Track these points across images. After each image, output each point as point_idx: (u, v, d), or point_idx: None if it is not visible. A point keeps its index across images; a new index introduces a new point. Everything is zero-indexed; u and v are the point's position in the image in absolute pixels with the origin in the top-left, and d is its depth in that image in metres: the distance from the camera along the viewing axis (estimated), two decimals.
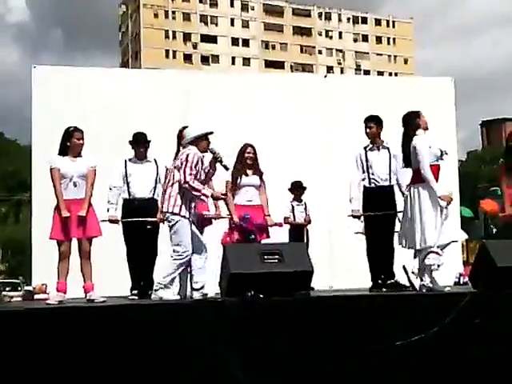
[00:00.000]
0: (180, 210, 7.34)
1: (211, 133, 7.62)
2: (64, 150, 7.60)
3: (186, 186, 7.32)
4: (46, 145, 9.39)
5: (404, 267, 7.75)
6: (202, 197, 7.45)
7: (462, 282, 11.10)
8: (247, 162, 8.41)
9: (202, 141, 7.53)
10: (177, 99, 10.79)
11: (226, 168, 7.75)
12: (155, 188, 8.41)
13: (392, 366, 6.43)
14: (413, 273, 7.66)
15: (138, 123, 9.40)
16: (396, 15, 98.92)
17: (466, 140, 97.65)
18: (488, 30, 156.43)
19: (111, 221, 8.34)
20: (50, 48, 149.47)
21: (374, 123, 8.50)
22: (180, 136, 8.08)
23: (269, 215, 8.46)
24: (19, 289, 25.18)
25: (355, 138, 9.12)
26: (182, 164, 7.36)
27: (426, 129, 7.74)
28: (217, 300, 6.83)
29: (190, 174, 7.31)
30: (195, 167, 7.36)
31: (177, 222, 7.33)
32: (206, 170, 7.58)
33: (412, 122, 7.73)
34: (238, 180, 8.36)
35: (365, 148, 8.50)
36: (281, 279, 6.59)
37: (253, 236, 8.13)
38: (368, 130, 8.50)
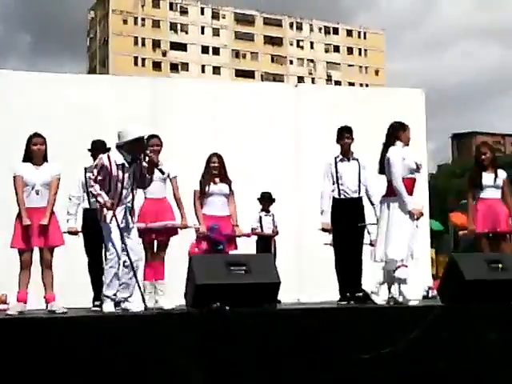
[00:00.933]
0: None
1: (142, 137, 7.42)
2: (26, 157, 7.45)
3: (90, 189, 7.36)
4: (8, 152, 9.23)
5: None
6: (99, 201, 7.22)
7: (430, 296, 11.08)
8: (213, 171, 8.32)
9: (136, 144, 7.30)
10: (144, 106, 10.68)
11: (162, 172, 7.71)
12: None
13: (358, 379, 6.40)
14: (372, 292, 7.66)
15: (102, 130, 9.23)
16: (367, 26, 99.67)
17: (435, 152, 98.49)
18: (458, 42, 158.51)
19: (71, 232, 8.26)
20: (16, 52, 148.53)
21: (350, 134, 8.47)
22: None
23: (237, 225, 8.37)
24: None
25: (325, 149, 9.08)
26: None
27: (406, 144, 7.73)
28: (182, 312, 6.74)
29: (91, 178, 7.21)
30: (100, 173, 7.17)
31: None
32: (143, 174, 7.40)
33: (394, 133, 7.74)
34: (207, 188, 8.26)
35: (335, 159, 8.45)
36: (247, 290, 6.53)
37: (221, 246, 8.05)
38: (345, 141, 8.45)
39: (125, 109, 10.68)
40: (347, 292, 8.20)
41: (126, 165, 7.24)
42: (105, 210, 7.15)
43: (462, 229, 11.33)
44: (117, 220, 7.13)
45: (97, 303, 8.12)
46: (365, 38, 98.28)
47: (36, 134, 7.49)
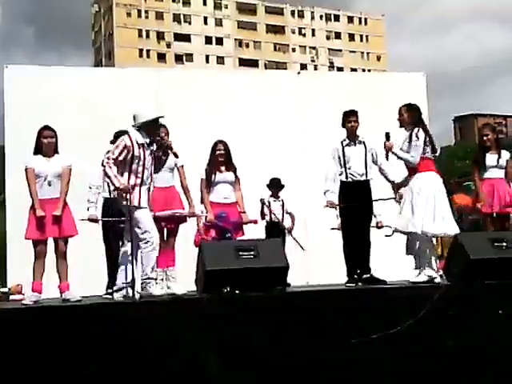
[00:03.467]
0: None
1: (162, 117, 7.50)
2: (37, 150, 7.56)
3: (104, 169, 7.25)
4: (19, 145, 9.36)
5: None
6: (111, 184, 7.31)
7: None
8: (218, 159, 8.41)
9: (153, 125, 7.40)
10: (150, 97, 10.75)
11: (176, 156, 7.79)
12: None
13: (368, 359, 6.47)
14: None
15: (111, 122, 9.34)
16: (368, 12, 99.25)
17: (440, 135, 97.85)
18: (461, 24, 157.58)
19: (91, 220, 8.24)
20: (21, 46, 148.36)
21: (356, 118, 8.53)
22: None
23: (244, 212, 8.47)
24: None
25: (329, 134, 9.14)
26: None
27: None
28: (193, 297, 6.84)
29: (110, 160, 7.16)
30: (121, 153, 7.19)
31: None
32: (158, 157, 7.55)
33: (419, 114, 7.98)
34: (213, 177, 8.36)
35: (341, 143, 8.49)
36: (257, 275, 6.62)
37: (229, 234, 8.11)
38: (350, 125, 8.51)
39: (130, 100, 10.78)
40: (355, 274, 8.28)
41: (146, 145, 7.32)
42: (111, 186, 7.31)
43: (466, 210, 11.40)
44: (140, 201, 7.20)
45: (110, 290, 8.21)
46: (366, 24, 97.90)
47: (46, 127, 7.60)
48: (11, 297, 9.30)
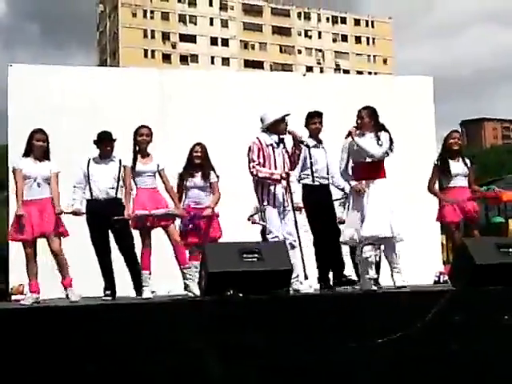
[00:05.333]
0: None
1: (288, 114, 7.67)
2: (27, 152, 7.60)
3: (255, 177, 7.47)
4: (23, 144, 9.31)
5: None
6: (273, 182, 7.47)
7: (441, 281, 11.13)
8: (195, 161, 8.34)
9: (280, 124, 7.59)
10: (154, 98, 10.74)
11: (308, 146, 7.98)
12: (117, 188, 8.32)
13: (370, 363, 6.43)
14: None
15: (115, 122, 9.33)
16: (375, 15, 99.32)
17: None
18: (470, 27, 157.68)
19: (76, 213, 8.20)
20: (26, 44, 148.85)
21: (320, 119, 8.51)
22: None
23: (210, 207, 8.32)
24: None
25: (334, 136, 9.09)
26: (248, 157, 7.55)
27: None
28: (196, 299, 6.80)
29: (255, 165, 7.42)
30: (259, 156, 7.46)
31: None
32: (291, 152, 7.64)
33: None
34: (185, 182, 8.30)
35: (307, 145, 8.34)
36: (260, 278, 6.57)
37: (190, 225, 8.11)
38: (313, 126, 8.50)
39: (133, 100, 10.76)
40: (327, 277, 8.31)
41: (275, 145, 7.51)
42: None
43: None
44: (275, 200, 7.40)
45: (107, 292, 8.20)
46: (373, 26, 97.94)
47: (39, 130, 7.63)
48: (13, 297, 9.29)
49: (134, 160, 8.02)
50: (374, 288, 7.50)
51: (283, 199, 7.49)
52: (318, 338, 6.34)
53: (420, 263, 10.82)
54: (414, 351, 6.50)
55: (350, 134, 7.65)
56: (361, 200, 7.50)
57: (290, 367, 6.27)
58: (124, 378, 5.97)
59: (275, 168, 7.47)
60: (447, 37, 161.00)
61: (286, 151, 7.62)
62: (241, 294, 6.41)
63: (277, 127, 7.56)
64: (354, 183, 7.56)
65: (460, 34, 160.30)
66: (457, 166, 8.57)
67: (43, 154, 7.60)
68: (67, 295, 7.30)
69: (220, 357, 6.10)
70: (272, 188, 7.45)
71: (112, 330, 5.98)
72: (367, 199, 7.48)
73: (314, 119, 8.48)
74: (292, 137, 7.60)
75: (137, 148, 8.05)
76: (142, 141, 8.06)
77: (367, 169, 7.61)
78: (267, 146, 7.48)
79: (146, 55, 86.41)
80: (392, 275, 7.60)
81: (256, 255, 6.70)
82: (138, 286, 8.08)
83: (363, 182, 7.53)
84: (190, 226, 8.09)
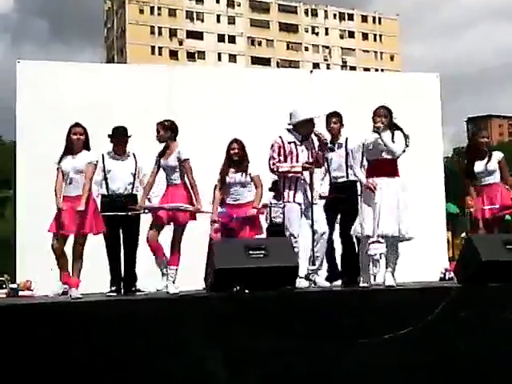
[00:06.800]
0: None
1: (318, 117, 7.80)
2: (66, 148, 7.57)
3: (276, 173, 7.64)
4: (30, 141, 9.37)
5: None
6: (295, 175, 7.57)
7: (447, 278, 11.13)
8: (233, 158, 8.36)
9: (307, 124, 7.67)
10: (162, 94, 10.75)
11: (332, 149, 7.95)
12: (133, 184, 8.35)
13: (378, 361, 6.43)
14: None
15: (123, 119, 9.34)
16: (382, 12, 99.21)
17: (453, 136, 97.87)
18: (477, 24, 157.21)
19: None
20: (34, 39, 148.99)
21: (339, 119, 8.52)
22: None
23: (253, 206, 8.28)
24: (4, 286, 25.00)
25: (341, 133, 9.10)
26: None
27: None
28: (202, 295, 6.81)
29: (275, 162, 7.56)
30: (279, 153, 7.59)
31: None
32: (316, 153, 7.71)
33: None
34: (227, 177, 8.28)
35: (331, 149, 8.34)
36: (266, 274, 6.57)
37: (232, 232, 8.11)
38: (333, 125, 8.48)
39: (141, 96, 10.78)
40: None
41: (298, 142, 7.61)
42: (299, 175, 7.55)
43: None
44: (294, 196, 7.52)
45: (113, 288, 8.19)
46: (380, 23, 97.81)
47: (76, 124, 7.59)
48: (20, 293, 9.31)
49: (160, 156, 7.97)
50: (375, 283, 7.51)
51: (306, 195, 7.52)
52: (326, 335, 6.35)
53: (426, 260, 10.82)
54: (419, 348, 6.49)
55: (376, 131, 7.61)
56: (373, 197, 7.48)
57: (299, 366, 6.29)
58: (127, 376, 5.99)
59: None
60: (454, 34, 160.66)
61: (312, 148, 7.66)
62: (247, 291, 6.42)
63: (304, 127, 7.65)
64: (365, 180, 7.55)
65: (467, 31, 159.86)
66: (480, 165, 8.55)
67: (80, 147, 7.55)
68: (67, 293, 7.24)
69: (225, 355, 6.11)
70: (294, 184, 7.53)
71: (119, 327, 6.00)
72: (381, 197, 7.45)
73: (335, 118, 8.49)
74: (317, 139, 7.63)
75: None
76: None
77: (383, 166, 7.59)
78: (289, 143, 7.59)
79: (153, 52, 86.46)
80: (385, 273, 7.58)
81: (262, 251, 6.71)
82: (128, 284, 8.15)
83: (375, 180, 7.52)
84: (230, 227, 8.13)
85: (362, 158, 7.72)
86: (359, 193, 8.06)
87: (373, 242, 7.43)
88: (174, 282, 7.53)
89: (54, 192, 7.37)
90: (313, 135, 7.68)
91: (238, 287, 6.38)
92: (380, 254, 7.46)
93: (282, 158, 7.52)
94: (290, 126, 7.73)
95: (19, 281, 9.86)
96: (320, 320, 6.37)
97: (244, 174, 8.27)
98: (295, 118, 7.69)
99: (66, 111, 9.66)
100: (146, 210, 7.92)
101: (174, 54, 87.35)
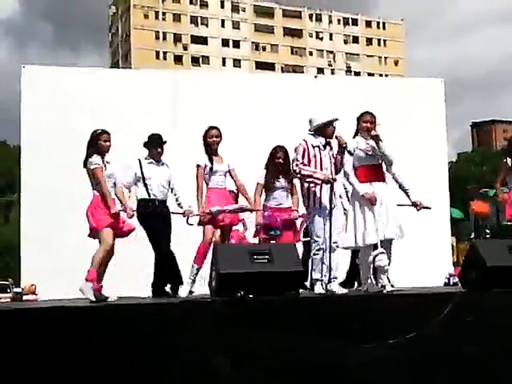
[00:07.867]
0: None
1: (337, 119, 7.76)
2: (97, 152, 7.68)
3: (298, 174, 7.63)
4: (35, 145, 9.38)
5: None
6: (315, 180, 7.54)
7: (451, 283, 11.13)
8: (279, 167, 8.61)
9: (327, 127, 7.68)
10: (167, 99, 10.77)
11: (351, 153, 7.86)
12: (168, 190, 8.46)
13: (382, 365, 6.42)
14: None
15: (128, 124, 9.37)
16: (387, 17, 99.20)
17: (457, 141, 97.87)
18: (482, 29, 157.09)
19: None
20: (39, 43, 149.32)
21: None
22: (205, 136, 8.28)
23: (296, 210, 8.63)
24: (8, 291, 25.00)
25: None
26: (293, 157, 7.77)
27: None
28: (206, 300, 6.81)
29: (298, 163, 7.53)
30: (304, 156, 7.57)
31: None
32: (334, 158, 7.70)
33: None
34: (272, 183, 8.58)
35: (350, 152, 8.38)
36: (270, 279, 6.57)
37: (277, 232, 8.36)
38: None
39: (147, 102, 10.79)
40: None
41: (322, 147, 7.63)
42: (317, 181, 7.49)
43: (483, 217, 11.37)
44: (321, 203, 7.50)
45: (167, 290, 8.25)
46: (384, 28, 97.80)
47: (104, 131, 7.74)
48: (24, 297, 9.31)
49: (211, 160, 8.22)
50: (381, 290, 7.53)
51: (329, 201, 7.54)
52: (330, 339, 6.34)
53: (430, 265, 10.81)
54: (424, 354, 6.49)
55: (375, 137, 7.67)
56: (366, 205, 7.53)
57: (301, 368, 6.28)
58: (132, 378, 5.99)
59: (321, 169, 7.55)
60: (459, 38, 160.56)
61: (333, 154, 7.70)
62: (251, 296, 6.42)
63: (324, 130, 7.67)
64: (363, 190, 7.58)
65: (472, 35, 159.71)
66: None
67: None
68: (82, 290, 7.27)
69: (228, 359, 6.11)
70: (318, 191, 7.54)
71: (124, 331, 5.99)
72: (380, 203, 7.50)
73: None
74: (337, 142, 7.66)
75: (208, 149, 8.27)
76: (212, 142, 8.29)
77: (373, 172, 7.70)
78: (313, 147, 7.61)
79: (157, 57, 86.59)
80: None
81: (266, 256, 6.71)
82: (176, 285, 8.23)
83: (373, 191, 7.58)
84: (278, 232, 8.39)
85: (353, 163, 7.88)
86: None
87: (379, 254, 7.47)
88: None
89: (103, 193, 7.51)
90: (334, 138, 7.71)
91: (241, 292, 6.38)
92: (387, 264, 7.52)
93: (305, 161, 7.54)
94: (312, 133, 7.75)
95: (23, 285, 9.86)
96: (326, 324, 6.37)
97: (288, 179, 8.56)
98: (315, 123, 7.72)
99: (70, 116, 9.67)
100: (212, 213, 8.06)
101: (178, 59, 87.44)
